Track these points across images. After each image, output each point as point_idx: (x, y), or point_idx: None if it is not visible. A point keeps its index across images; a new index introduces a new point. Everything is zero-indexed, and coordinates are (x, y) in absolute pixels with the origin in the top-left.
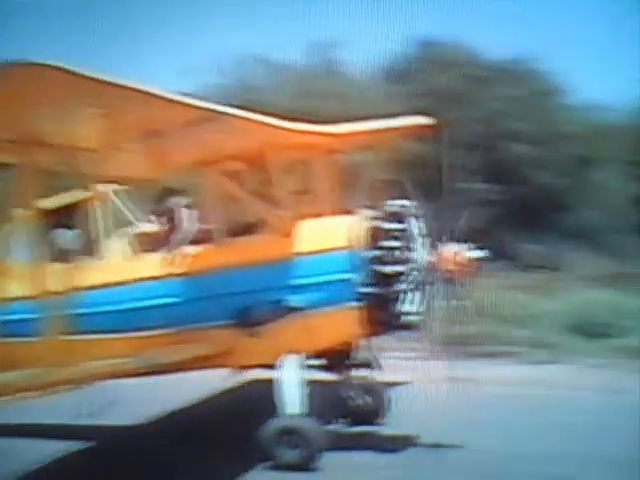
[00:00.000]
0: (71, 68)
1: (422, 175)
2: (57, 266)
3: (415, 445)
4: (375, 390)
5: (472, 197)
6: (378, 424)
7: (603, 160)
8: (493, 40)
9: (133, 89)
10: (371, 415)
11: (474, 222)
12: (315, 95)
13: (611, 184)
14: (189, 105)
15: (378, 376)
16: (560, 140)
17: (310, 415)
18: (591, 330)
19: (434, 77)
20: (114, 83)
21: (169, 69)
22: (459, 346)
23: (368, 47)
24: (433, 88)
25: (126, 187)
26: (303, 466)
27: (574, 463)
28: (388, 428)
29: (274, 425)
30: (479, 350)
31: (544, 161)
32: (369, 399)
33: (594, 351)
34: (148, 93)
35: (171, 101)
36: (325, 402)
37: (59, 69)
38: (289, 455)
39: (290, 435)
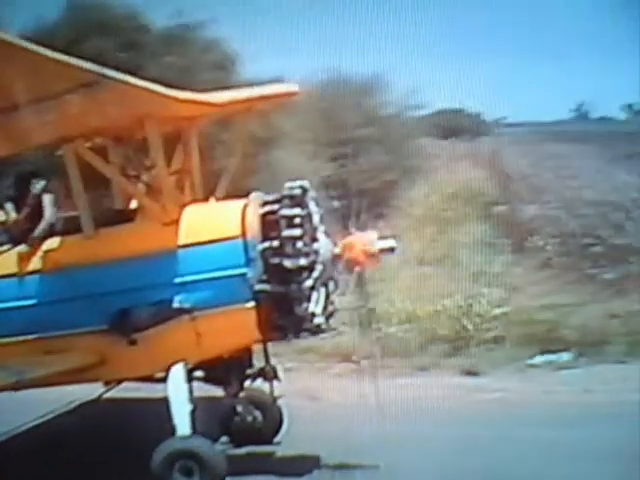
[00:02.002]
0: None
1: None
2: None
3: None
4: (269, 405)
5: None
6: (271, 444)
7: (285, 139)
8: (156, 5)
9: None
10: (263, 434)
11: None
12: None
13: (298, 166)
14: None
15: (275, 388)
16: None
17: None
18: None
19: (91, 43)
20: None
21: None
22: None
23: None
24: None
25: None
26: None
27: None
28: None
29: (165, 449)
30: None
31: (219, 139)
32: (261, 415)
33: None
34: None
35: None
36: (211, 420)
37: None
38: None
39: (185, 460)
